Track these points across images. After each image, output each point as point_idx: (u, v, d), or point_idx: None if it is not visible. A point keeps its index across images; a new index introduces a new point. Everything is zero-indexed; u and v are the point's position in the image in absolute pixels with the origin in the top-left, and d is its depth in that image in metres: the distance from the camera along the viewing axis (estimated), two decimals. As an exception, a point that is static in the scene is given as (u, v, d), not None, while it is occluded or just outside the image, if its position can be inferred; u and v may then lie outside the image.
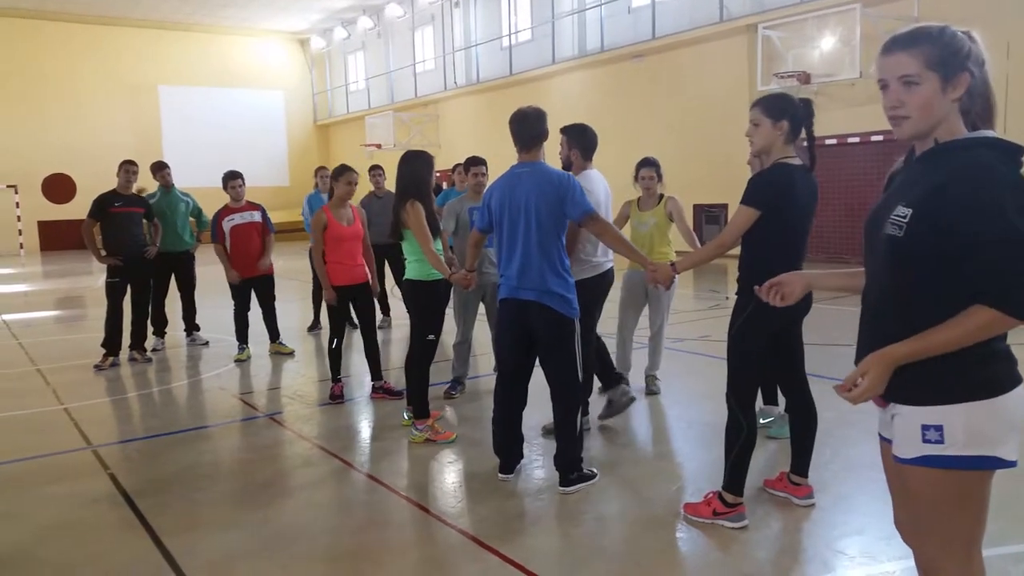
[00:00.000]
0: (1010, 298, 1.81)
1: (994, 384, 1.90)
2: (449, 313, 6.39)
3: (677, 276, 4.34)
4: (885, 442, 2.16)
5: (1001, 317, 1.81)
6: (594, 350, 5.26)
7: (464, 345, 6.37)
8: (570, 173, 4.24)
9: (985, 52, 1.94)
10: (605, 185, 5.08)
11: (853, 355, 2.14)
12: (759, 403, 4.83)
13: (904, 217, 1.91)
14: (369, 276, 6.44)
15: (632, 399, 5.48)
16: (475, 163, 6.38)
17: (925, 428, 1.92)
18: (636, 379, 6.23)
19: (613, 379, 5.47)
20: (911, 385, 1.94)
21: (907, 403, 1.97)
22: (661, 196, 6.07)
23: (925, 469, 1.95)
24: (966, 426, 1.89)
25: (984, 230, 1.79)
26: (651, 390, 6.15)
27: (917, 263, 1.91)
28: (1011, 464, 1.93)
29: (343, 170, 6.26)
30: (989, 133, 1.93)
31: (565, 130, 5.08)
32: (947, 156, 1.91)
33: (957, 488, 1.94)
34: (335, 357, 6.29)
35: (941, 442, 1.91)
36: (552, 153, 4.28)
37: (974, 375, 1.89)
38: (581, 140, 5.02)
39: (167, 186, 8.69)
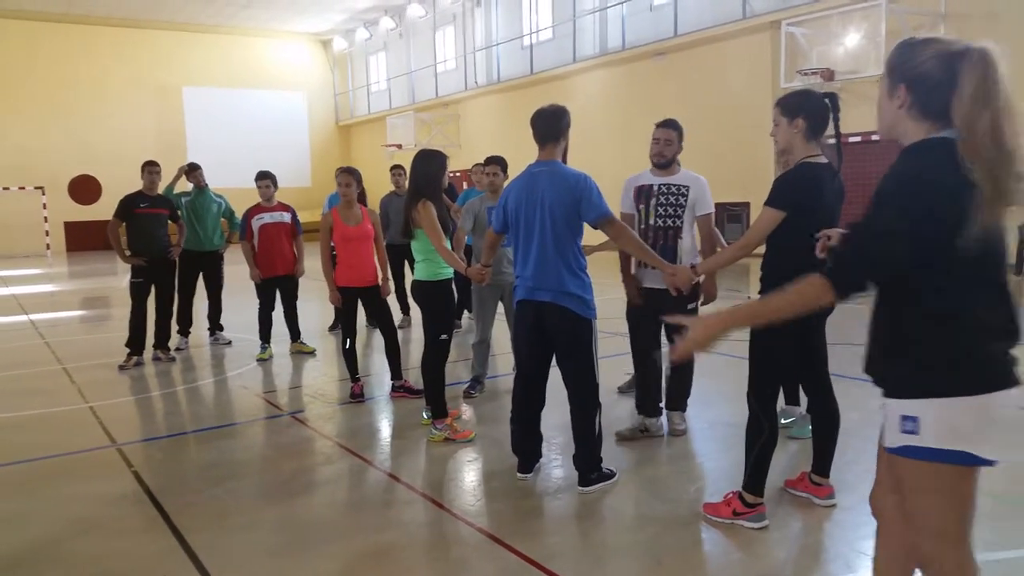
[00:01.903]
0: (837, 272, 2.00)
1: (976, 383, 1.95)
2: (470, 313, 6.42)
3: (700, 279, 4.32)
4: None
5: (824, 287, 1.99)
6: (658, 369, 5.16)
7: (483, 345, 6.37)
8: (587, 174, 4.17)
9: (971, 66, 1.91)
10: None
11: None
12: (780, 403, 4.79)
13: None
14: (380, 277, 6.47)
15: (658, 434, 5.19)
16: (488, 163, 6.39)
17: (904, 419, 2.01)
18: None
19: (658, 409, 5.21)
20: (894, 378, 2.05)
21: (890, 396, 2.07)
22: None
23: (905, 459, 2.04)
24: (938, 420, 1.96)
25: (865, 215, 1.98)
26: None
27: None
28: (989, 463, 1.99)
29: (338, 172, 6.41)
30: (944, 134, 1.98)
31: (673, 124, 4.95)
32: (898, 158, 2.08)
33: (935, 480, 2.01)
34: (350, 357, 6.33)
35: (916, 433, 1.98)
36: (580, 154, 4.23)
37: (955, 372, 1.96)
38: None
39: (200, 186, 8.79)
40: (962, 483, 2.01)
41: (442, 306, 5.37)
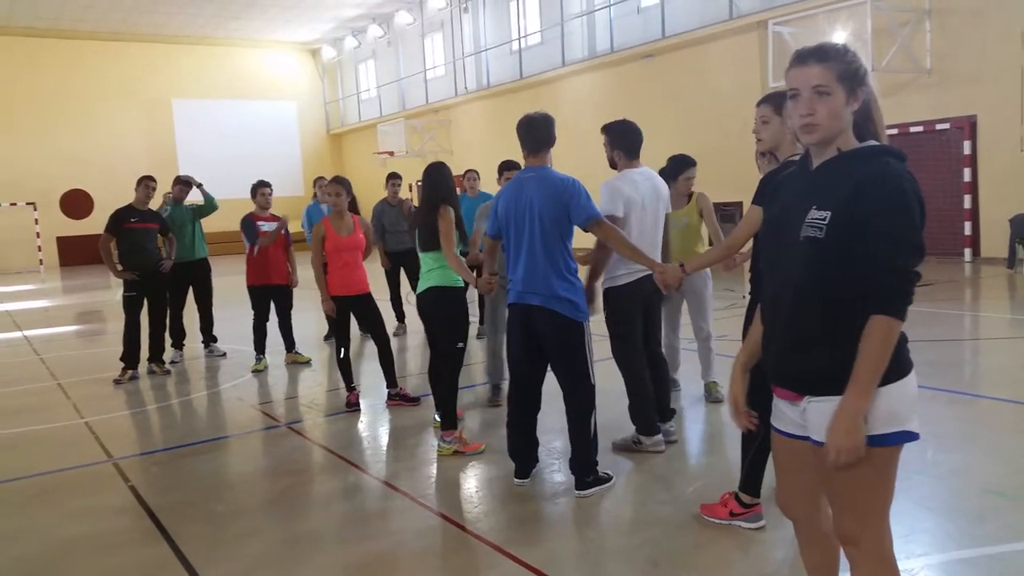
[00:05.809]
0: (893, 304, 2.02)
1: (902, 368, 2.10)
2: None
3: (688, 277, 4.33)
4: (778, 433, 2.35)
5: (895, 321, 2.02)
6: (643, 370, 4.84)
7: (498, 351, 6.31)
8: (575, 178, 4.21)
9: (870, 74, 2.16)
10: (654, 185, 4.83)
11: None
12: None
13: (823, 219, 2.07)
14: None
15: (662, 451, 4.85)
16: (508, 167, 6.34)
17: None
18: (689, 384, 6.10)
19: (659, 422, 4.90)
20: (832, 379, 2.08)
21: (821, 394, 2.13)
22: (691, 194, 6.01)
23: None
24: (885, 408, 2.06)
25: (895, 226, 2.01)
26: (714, 397, 5.77)
27: (834, 262, 2.07)
28: (916, 437, 2.12)
29: (327, 182, 6.47)
30: (876, 143, 2.15)
31: (607, 129, 4.87)
32: (856, 163, 2.10)
33: (877, 463, 2.10)
34: (344, 367, 6.32)
35: (864, 423, 2.05)
36: (569, 158, 4.24)
37: (892, 361, 2.05)
38: (623, 140, 4.82)
39: (178, 200, 8.76)
40: (894, 461, 2.14)
41: (459, 312, 5.30)
